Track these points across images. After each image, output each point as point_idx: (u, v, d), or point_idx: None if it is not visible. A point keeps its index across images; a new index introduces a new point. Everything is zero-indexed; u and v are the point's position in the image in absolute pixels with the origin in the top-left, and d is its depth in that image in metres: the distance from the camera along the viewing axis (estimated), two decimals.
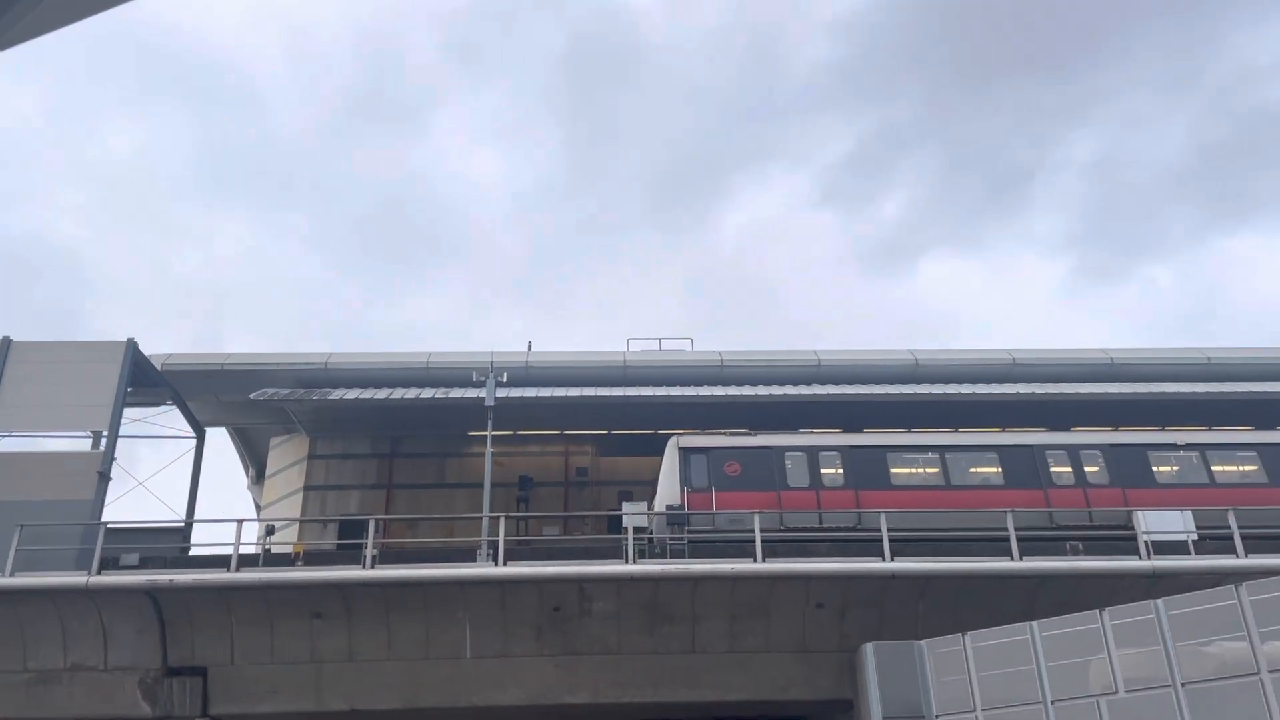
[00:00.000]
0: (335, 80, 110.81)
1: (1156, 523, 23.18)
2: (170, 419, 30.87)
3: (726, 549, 23.45)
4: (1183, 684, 17.18)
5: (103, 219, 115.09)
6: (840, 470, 26.22)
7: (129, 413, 27.72)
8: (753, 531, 22.74)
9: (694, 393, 31.15)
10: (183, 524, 27.16)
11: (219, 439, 35.92)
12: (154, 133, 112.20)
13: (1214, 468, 26.63)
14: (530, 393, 30.70)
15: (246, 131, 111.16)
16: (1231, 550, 22.43)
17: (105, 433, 25.75)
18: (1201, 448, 27.00)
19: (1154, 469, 26.60)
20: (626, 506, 23.62)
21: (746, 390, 31.45)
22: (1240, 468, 26.77)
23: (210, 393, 32.45)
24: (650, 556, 23.24)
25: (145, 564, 23.01)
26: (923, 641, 21.19)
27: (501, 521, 23.09)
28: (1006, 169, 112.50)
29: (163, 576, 21.94)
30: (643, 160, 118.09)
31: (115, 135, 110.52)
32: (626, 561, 22.38)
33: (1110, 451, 26.87)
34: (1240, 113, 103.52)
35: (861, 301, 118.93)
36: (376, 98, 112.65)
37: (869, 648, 21.40)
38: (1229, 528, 22.68)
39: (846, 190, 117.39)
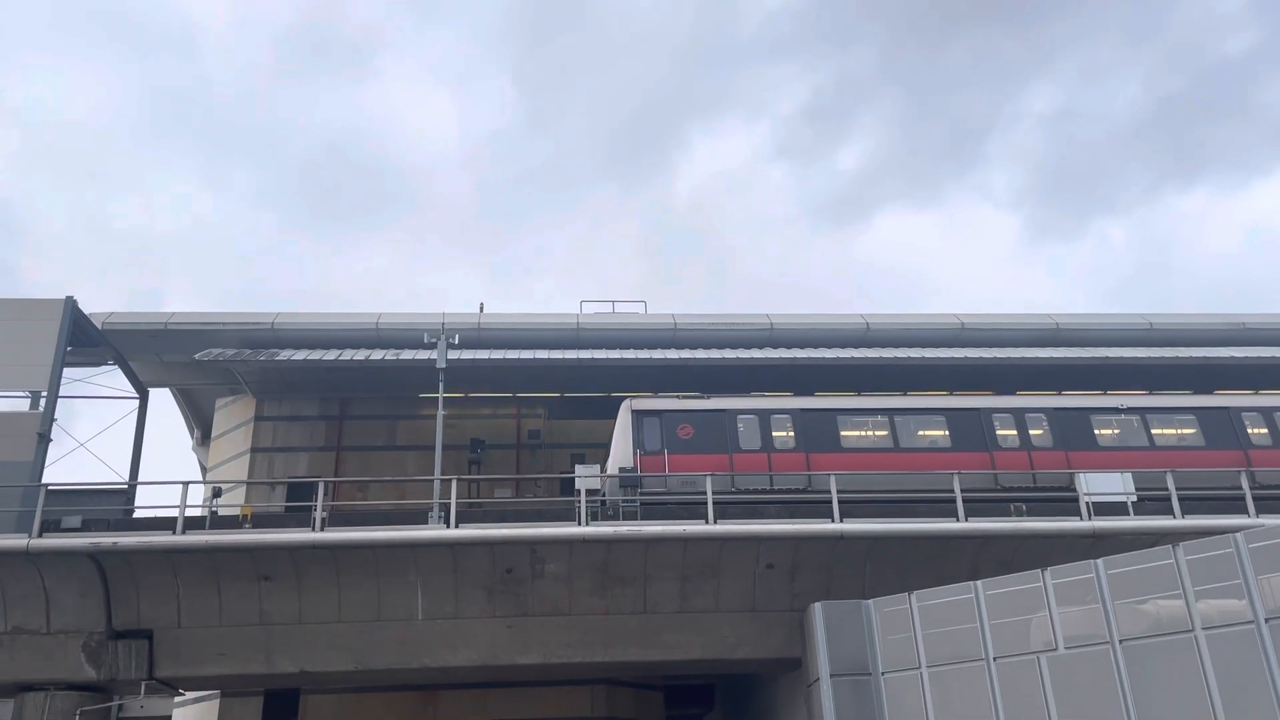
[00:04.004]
0: (273, 19, 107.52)
1: (1097, 484, 23.71)
2: (111, 379, 30.19)
3: (678, 511, 23.60)
4: (1120, 641, 17.69)
5: (35, 170, 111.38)
6: (791, 433, 26.45)
7: (69, 373, 27.08)
8: (704, 493, 22.90)
9: (647, 356, 31.13)
10: (126, 486, 26.67)
11: (162, 400, 35.23)
12: (83, 79, 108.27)
13: (1153, 431, 27.28)
14: (482, 355, 30.48)
15: (181, 76, 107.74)
16: (1169, 511, 23.02)
17: (44, 393, 25.21)
18: (1142, 411, 27.64)
19: (1096, 432, 27.19)
20: (579, 469, 23.64)
21: (700, 353, 31.51)
22: (1179, 431, 27.46)
23: (153, 353, 31.74)
24: (603, 519, 23.32)
25: (88, 526, 22.59)
26: (870, 601, 21.57)
27: (453, 484, 22.96)
28: (964, 121, 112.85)
29: (106, 539, 21.52)
30: (598, 108, 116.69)
31: (38, 82, 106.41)
32: (579, 524, 22.41)
33: (1054, 415, 27.40)
34: (1198, 65, 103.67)
35: (817, 256, 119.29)
36: (318, 38, 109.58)
37: (817, 607, 21.72)
38: (1167, 490, 23.28)
39: (803, 142, 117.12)
